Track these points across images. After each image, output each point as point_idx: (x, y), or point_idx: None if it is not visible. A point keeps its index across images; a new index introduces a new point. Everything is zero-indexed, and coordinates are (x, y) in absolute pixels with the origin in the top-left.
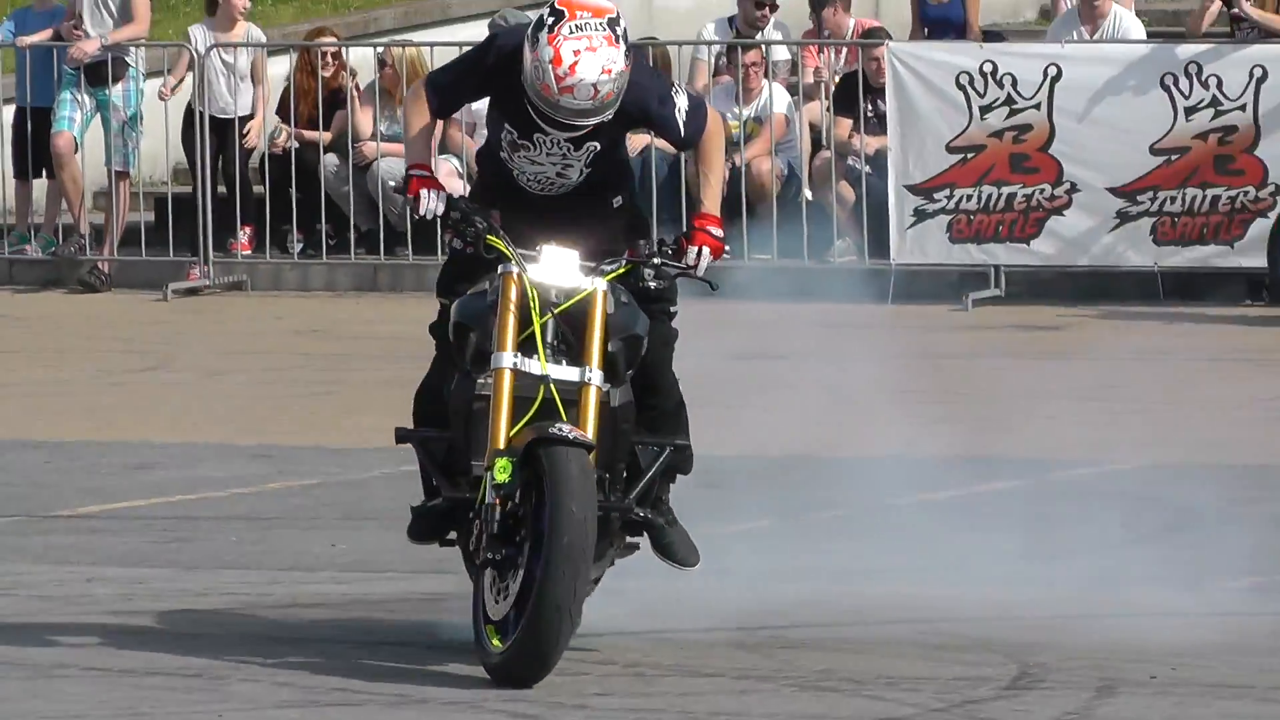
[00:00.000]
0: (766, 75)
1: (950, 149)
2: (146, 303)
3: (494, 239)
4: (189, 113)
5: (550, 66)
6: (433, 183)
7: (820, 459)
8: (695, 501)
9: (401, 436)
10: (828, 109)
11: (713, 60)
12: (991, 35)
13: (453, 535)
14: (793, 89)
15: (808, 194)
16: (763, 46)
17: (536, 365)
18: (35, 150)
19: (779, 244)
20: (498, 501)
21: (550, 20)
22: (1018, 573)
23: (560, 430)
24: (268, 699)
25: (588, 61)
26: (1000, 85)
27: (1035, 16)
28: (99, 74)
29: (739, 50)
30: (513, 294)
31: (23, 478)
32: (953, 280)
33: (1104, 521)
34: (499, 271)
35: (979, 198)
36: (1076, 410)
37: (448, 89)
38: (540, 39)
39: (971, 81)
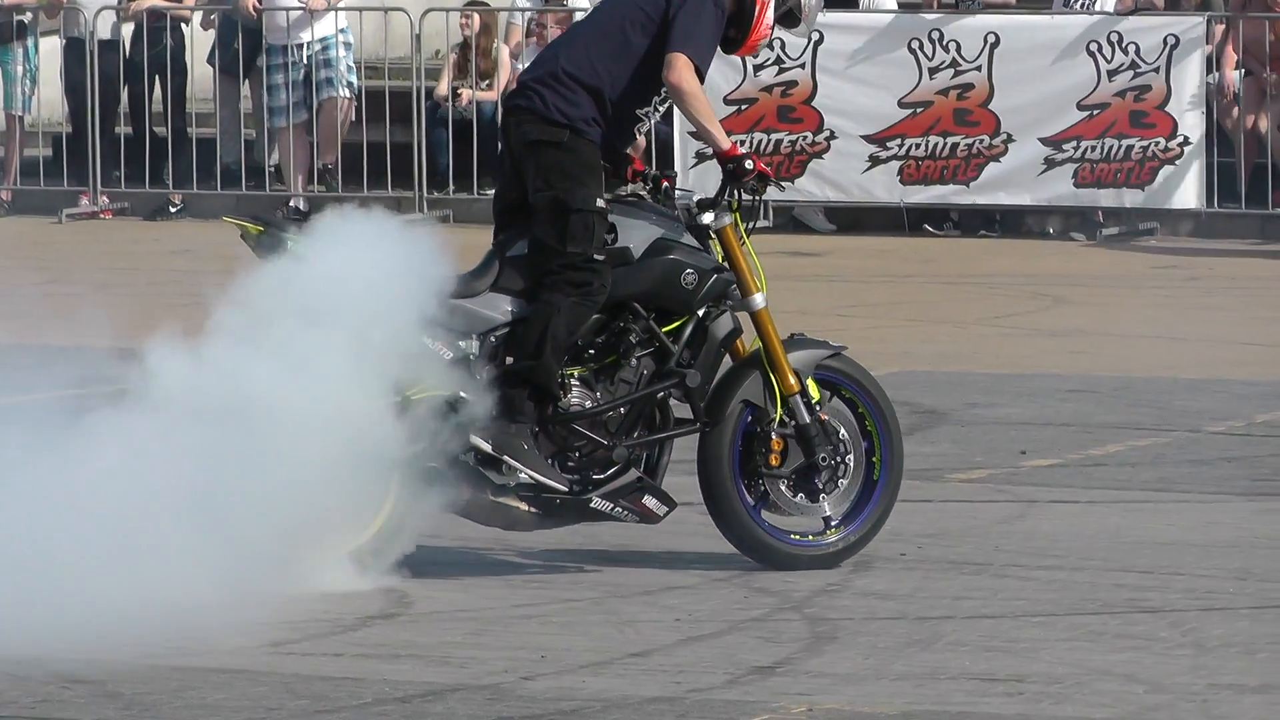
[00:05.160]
0: None
1: (727, 101)
2: (44, 226)
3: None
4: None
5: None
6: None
7: None
8: None
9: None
10: None
11: (525, 24)
12: None
13: None
14: None
15: None
16: (572, 14)
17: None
18: None
19: None
20: (823, 415)
21: None
22: None
23: (831, 343)
24: None
25: None
26: (770, 48)
27: None
28: (2, 34)
29: (548, 16)
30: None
31: None
32: None
33: None
34: (721, 224)
35: (750, 144)
36: (834, 324)
37: (710, 56)
38: None
39: None
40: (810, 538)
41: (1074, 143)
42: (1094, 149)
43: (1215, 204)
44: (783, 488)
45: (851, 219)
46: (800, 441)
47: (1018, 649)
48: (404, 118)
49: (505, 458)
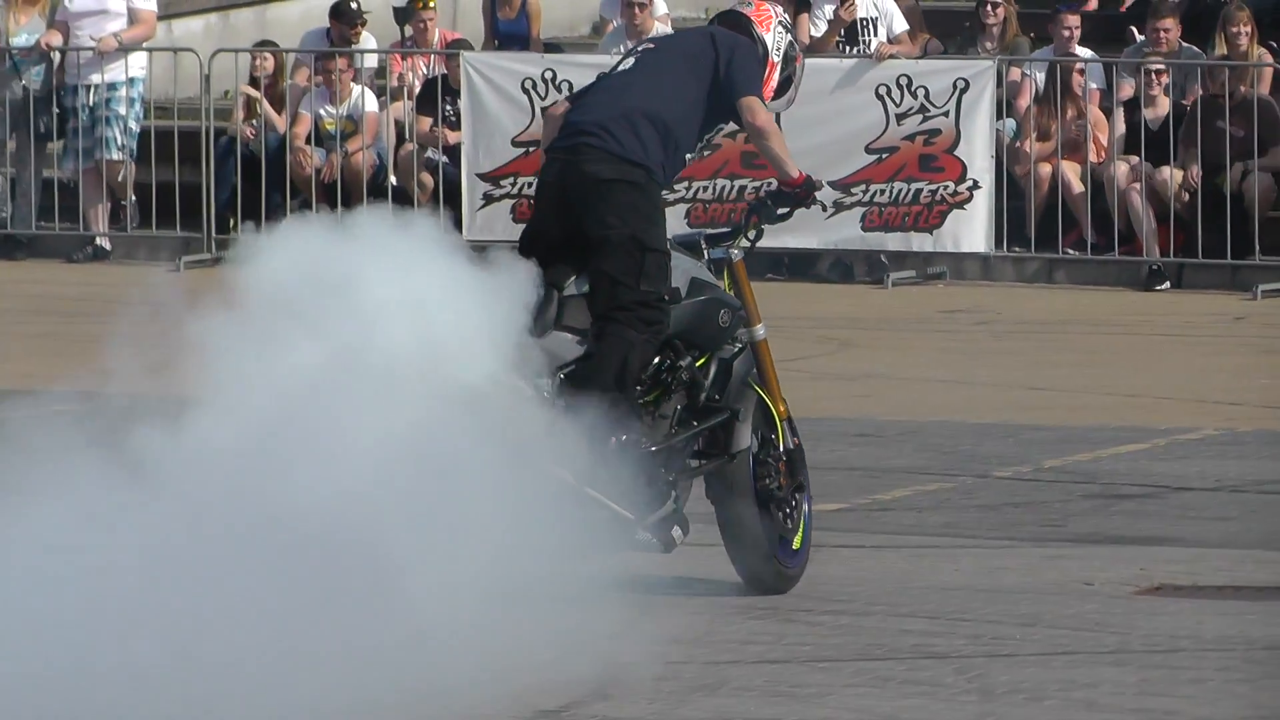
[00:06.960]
0: (357, 80)
1: (515, 143)
2: None
3: None
4: None
5: None
6: None
7: None
8: None
9: None
10: (412, 108)
11: (314, 64)
12: (551, 47)
13: None
14: (380, 90)
15: (393, 180)
16: (353, 55)
17: None
18: None
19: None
20: (795, 439)
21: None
22: None
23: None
24: None
25: None
26: (559, 89)
27: (589, 31)
28: None
29: (335, 57)
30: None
31: None
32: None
33: None
34: (734, 257)
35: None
36: None
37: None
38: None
39: (534, 86)
40: (792, 560)
41: (862, 186)
42: (882, 192)
43: (1005, 248)
44: (775, 510)
45: None
46: (788, 464)
47: (804, 694)
48: (193, 157)
49: (586, 488)
